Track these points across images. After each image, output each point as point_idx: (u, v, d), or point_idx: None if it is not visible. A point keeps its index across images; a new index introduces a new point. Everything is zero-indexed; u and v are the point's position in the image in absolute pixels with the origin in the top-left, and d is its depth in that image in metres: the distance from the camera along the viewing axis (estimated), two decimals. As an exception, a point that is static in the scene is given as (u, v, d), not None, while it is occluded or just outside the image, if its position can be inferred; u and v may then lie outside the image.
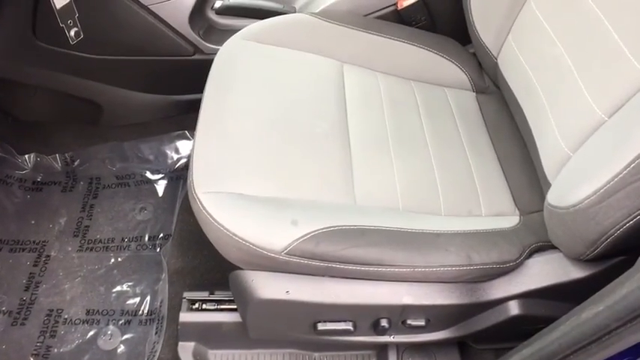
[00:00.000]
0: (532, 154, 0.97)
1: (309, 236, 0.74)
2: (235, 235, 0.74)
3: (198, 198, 0.79)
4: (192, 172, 0.84)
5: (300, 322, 0.85)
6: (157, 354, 1.10)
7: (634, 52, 0.73)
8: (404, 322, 0.84)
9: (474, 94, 1.13)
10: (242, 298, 0.81)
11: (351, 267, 0.75)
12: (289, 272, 0.78)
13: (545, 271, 0.81)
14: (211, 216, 0.76)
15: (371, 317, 0.83)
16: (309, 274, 0.78)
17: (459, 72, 1.12)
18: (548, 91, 0.90)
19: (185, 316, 1.01)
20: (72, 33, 1.03)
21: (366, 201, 0.86)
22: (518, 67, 0.99)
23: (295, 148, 0.90)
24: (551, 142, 0.87)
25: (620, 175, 0.62)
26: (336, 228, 0.75)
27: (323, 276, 0.78)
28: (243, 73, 1.00)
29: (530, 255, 0.82)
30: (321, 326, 0.83)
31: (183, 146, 1.48)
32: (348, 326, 0.83)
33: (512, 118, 1.06)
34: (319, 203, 0.83)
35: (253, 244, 0.74)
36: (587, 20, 0.83)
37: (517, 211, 0.92)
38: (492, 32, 1.05)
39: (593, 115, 0.77)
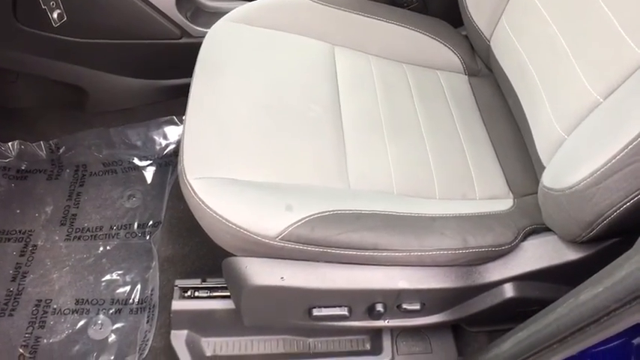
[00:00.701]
0: (525, 136, 0.96)
1: (304, 221, 0.72)
2: (229, 222, 0.73)
3: (189, 184, 0.77)
4: (182, 157, 0.82)
5: (294, 308, 0.84)
6: (149, 343, 1.08)
7: (630, 33, 0.72)
8: (399, 307, 0.84)
9: (467, 76, 1.12)
10: (236, 285, 0.80)
11: (346, 252, 0.74)
12: (284, 258, 0.77)
13: (539, 254, 0.81)
14: (203, 202, 0.75)
15: (366, 302, 0.83)
16: (304, 260, 0.77)
17: (451, 55, 1.11)
18: (542, 74, 0.90)
19: (177, 304, 1.00)
20: (55, 15, 1.00)
21: (360, 185, 0.85)
22: (511, 50, 0.98)
23: (288, 133, 0.88)
24: (545, 125, 0.87)
25: (618, 157, 0.62)
26: (331, 213, 0.74)
27: (318, 261, 0.77)
28: (233, 57, 0.98)
29: (524, 237, 0.82)
30: (316, 312, 0.83)
31: (172, 132, 1.45)
32: (344, 311, 0.83)
33: (504, 101, 1.05)
34: (313, 188, 0.81)
35: (247, 230, 0.72)
36: (582, 1, 0.82)
37: (511, 194, 0.92)
38: (485, 14, 1.04)
39: (589, 97, 0.77)
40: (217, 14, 1.21)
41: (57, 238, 1.33)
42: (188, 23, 1.22)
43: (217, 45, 1.00)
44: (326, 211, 0.74)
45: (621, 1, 0.75)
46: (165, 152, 1.45)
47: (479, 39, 1.08)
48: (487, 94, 1.09)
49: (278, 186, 0.80)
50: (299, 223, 0.72)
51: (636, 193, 0.62)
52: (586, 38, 0.81)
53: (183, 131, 0.86)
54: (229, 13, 1.07)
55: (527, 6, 0.94)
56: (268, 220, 0.73)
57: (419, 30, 1.10)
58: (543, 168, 0.85)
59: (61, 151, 1.47)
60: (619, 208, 0.65)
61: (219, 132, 0.85)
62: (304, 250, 0.74)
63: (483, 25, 1.05)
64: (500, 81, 1.06)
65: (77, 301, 1.22)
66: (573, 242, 0.78)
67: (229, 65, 0.96)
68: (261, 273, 0.77)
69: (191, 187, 0.77)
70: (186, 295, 1.01)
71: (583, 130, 0.76)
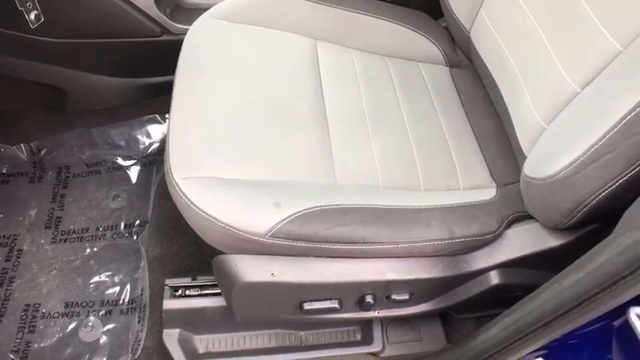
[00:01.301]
0: (506, 126, 0.98)
1: (292, 217, 0.73)
2: (218, 220, 0.73)
3: (176, 184, 0.77)
4: (168, 157, 0.82)
5: (286, 303, 0.85)
6: (142, 342, 1.09)
7: (606, 25, 0.74)
8: (388, 297, 0.86)
9: (448, 68, 1.14)
10: (227, 283, 0.81)
11: (335, 246, 0.75)
12: (274, 254, 0.78)
13: (522, 241, 0.84)
14: (192, 202, 0.75)
15: (356, 294, 0.84)
16: (294, 255, 0.78)
17: (432, 46, 1.12)
18: (521, 65, 0.91)
19: (169, 304, 1.00)
20: (32, 16, 0.98)
21: (347, 180, 0.86)
22: (491, 41, 1.00)
23: (273, 129, 0.88)
24: (525, 115, 0.89)
25: (596, 147, 0.64)
26: (319, 208, 0.75)
27: (308, 256, 0.78)
28: (216, 54, 0.97)
29: (508, 226, 0.84)
30: (307, 306, 0.84)
31: (155, 130, 1.44)
32: (334, 304, 0.84)
33: (485, 92, 1.07)
34: (300, 184, 0.82)
35: (237, 228, 0.73)
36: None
37: (494, 184, 0.94)
38: (465, 6, 1.05)
39: (567, 87, 0.78)
40: (197, 10, 1.21)
41: (42, 241, 1.32)
42: (168, 20, 1.21)
43: (199, 42, 1.00)
44: (314, 207, 0.75)
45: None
46: (149, 151, 1.45)
47: (459, 31, 1.09)
48: (468, 85, 1.11)
49: (266, 183, 0.80)
50: (288, 220, 0.73)
51: (614, 181, 0.64)
52: (563, 30, 0.82)
53: (168, 131, 0.86)
54: (210, 10, 1.06)
55: (505, -2, 0.95)
56: (257, 218, 0.73)
57: (400, 23, 1.10)
58: (525, 157, 0.86)
59: (42, 153, 1.45)
60: (598, 195, 0.67)
61: (205, 131, 0.86)
62: (294, 246, 0.75)
63: (463, 17, 1.06)
64: (480, 72, 1.07)
65: (66, 304, 1.21)
66: (555, 229, 0.80)
67: (212, 62, 0.95)
68: (252, 270, 0.78)
69: (178, 187, 0.77)
70: (177, 293, 1.01)
71: (562, 119, 0.78)
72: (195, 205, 0.75)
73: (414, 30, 1.11)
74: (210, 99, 0.89)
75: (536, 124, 0.85)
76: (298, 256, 0.78)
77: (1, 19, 1.11)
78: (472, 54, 1.09)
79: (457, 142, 0.99)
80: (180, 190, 0.77)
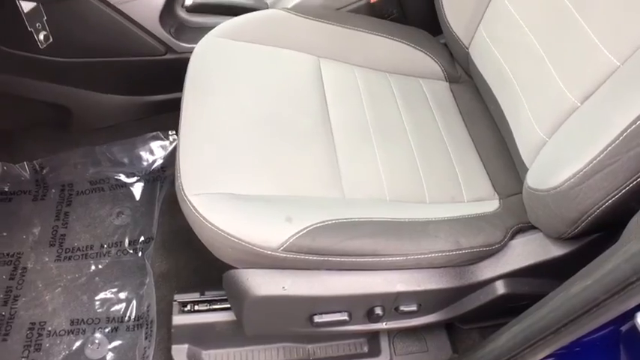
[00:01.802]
0: (507, 139, 1.01)
1: (304, 232, 0.75)
2: (230, 236, 0.75)
3: (189, 200, 0.79)
4: (179, 174, 0.83)
5: (296, 316, 0.86)
6: (149, 359, 1.09)
7: (603, 41, 0.77)
8: (397, 309, 0.87)
9: (447, 83, 1.17)
10: (238, 297, 0.82)
11: (346, 259, 0.77)
12: (285, 268, 0.79)
13: (527, 251, 0.85)
14: (204, 218, 0.76)
15: (366, 306, 0.86)
16: (305, 269, 0.79)
17: (432, 62, 1.15)
18: (521, 79, 0.94)
19: (178, 319, 1.01)
20: (41, 37, 1.00)
21: (354, 193, 0.88)
22: (490, 57, 1.03)
23: (281, 145, 0.90)
24: (526, 128, 0.91)
25: (598, 159, 0.66)
26: (330, 222, 0.77)
27: (319, 269, 0.79)
28: (222, 72, 0.99)
29: (512, 236, 0.86)
30: (317, 319, 0.85)
31: (158, 147, 1.46)
32: (344, 317, 0.85)
33: (485, 106, 1.10)
34: (310, 198, 0.84)
35: (250, 243, 0.74)
36: (555, 11, 0.87)
37: (496, 195, 0.96)
38: (463, 23, 1.08)
39: (567, 102, 0.81)
40: (201, 29, 1.23)
41: (47, 259, 1.33)
42: (172, 39, 1.23)
43: (205, 61, 1.02)
44: (324, 221, 0.77)
45: (593, 11, 0.79)
46: (152, 168, 1.46)
47: (458, 47, 1.12)
48: (468, 100, 1.14)
49: (276, 198, 0.82)
50: (300, 234, 0.75)
51: (617, 191, 0.66)
52: (562, 46, 0.85)
53: (178, 149, 0.87)
54: (215, 29, 1.08)
55: (504, 15, 0.98)
56: (270, 232, 0.75)
57: (400, 40, 1.13)
58: (526, 169, 0.89)
59: (45, 171, 1.46)
60: (601, 205, 0.69)
61: (214, 148, 0.87)
62: (306, 260, 0.76)
63: (462, 33, 1.09)
64: (480, 86, 1.10)
65: (72, 322, 1.21)
66: (558, 239, 0.82)
67: (218, 81, 0.97)
68: (263, 284, 0.79)
69: (190, 203, 0.78)
70: (185, 309, 1.02)
71: (563, 132, 0.80)
72: (207, 220, 0.76)
73: (413, 47, 1.14)
74: (218, 117, 0.91)
75: (537, 136, 0.87)
76: (309, 269, 0.79)
77: (8, 40, 1.12)
78: (471, 69, 1.12)
79: (459, 154, 1.01)
80: (192, 206, 0.78)
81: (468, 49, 1.10)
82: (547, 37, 0.89)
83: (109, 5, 1.13)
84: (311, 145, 0.92)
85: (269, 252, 0.74)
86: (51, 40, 1.02)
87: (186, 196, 0.79)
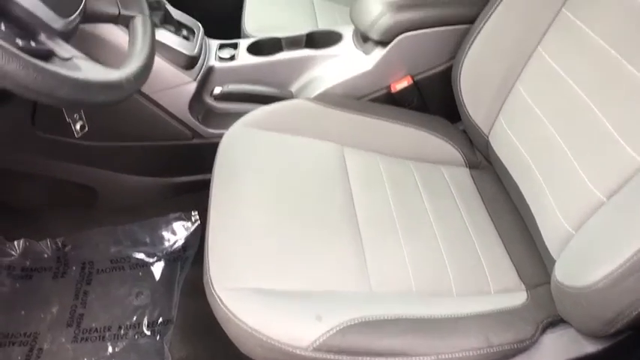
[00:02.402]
0: (530, 227, 1.01)
1: (334, 330, 0.74)
2: (260, 334, 0.74)
3: (218, 295, 0.79)
4: (208, 267, 0.84)
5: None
6: None
7: (624, 137, 0.79)
8: (426, 409, 0.84)
9: (468, 169, 1.19)
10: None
11: (377, 359, 0.75)
12: None
13: (559, 348, 0.83)
14: (233, 314, 0.76)
15: None
16: (334, 368, 0.77)
17: (453, 150, 1.18)
18: (543, 171, 0.96)
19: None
20: (77, 127, 1.05)
21: (381, 286, 0.87)
22: (510, 146, 1.05)
23: (308, 238, 0.91)
24: (551, 219, 0.91)
25: (634, 259, 0.66)
26: (359, 320, 0.76)
27: (348, 369, 0.78)
28: (249, 162, 1.02)
29: (543, 330, 0.84)
30: None
31: (180, 228, 1.47)
32: None
33: (506, 192, 1.11)
34: (338, 293, 0.83)
35: (279, 342, 0.73)
36: (575, 106, 0.90)
37: (523, 286, 0.95)
38: (482, 112, 1.12)
39: (592, 196, 0.82)
40: (228, 115, 1.28)
41: (64, 340, 1.31)
42: (199, 125, 1.28)
43: (233, 150, 1.05)
44: (354, 319, 0.76)
45: (614, 109, 0.82)
46: (173, 248, 1.46)
47: (477, 135, 1.15)
48: (489, 186, 1.15)
49: (304, 294, 0.82)
50: (330, 333, 0.74)
51: (654, 293, 0.66)
52: (583, 140, 0.87)
53: (207, 243, 0.88)
54: (243, 118, 1.12)
55: (523, 107, 1.02)
56: (300, 331, 0.74)
57: (421, 128, 1.17)
58: (553, 260, 0.88)
59: (67, 248, 1.47)
60: (638, 307, 0.68)
61: (242, 242, 0.88)
62: None
63: (481, 122, 1.13)
64: (500, 174, 1.12)
65: (86, 408, 1.18)
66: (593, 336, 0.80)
67: (245, 172, 1.00)
68: None
69: (220, 298, 0.78)
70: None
71: (592, 228, 0.80)
72: (236, 317, 0.76)
73: (434, 134, 1.17)
74: (245, 210, 0.93)
75: (563, 229, 0.87)
76: (338, 368, 0.78)
77: (45, 126, 1.17)
78: (491, 156, 1.14)
79: (483, 243, 1.01)
80: (221, 302, 0.78)
81: (487, 137, 1.13)
82: (567, 130, 0.91)
83: (142, 94, 1.19)
84: (337, 238, 0.93)
85: (299, 352, 0.73)
86: (87, 129, 1.06)
87: (215, 291, 0.79)
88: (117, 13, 0.82)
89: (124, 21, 0.84)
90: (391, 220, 0.99)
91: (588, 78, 0.90)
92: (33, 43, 0.63)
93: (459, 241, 1.00)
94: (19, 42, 0.60)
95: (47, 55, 0.63)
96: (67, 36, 0.71)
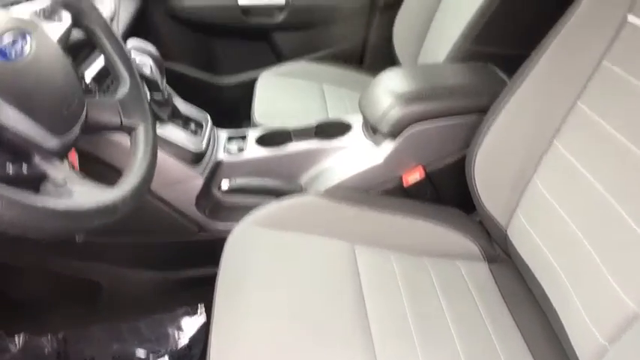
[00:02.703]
0: (558, 331, 0.93)
1: None
2: None
3: None
4: None
5: None
6: None
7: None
8: None
9: (486, 264, 1.12)
10: None
11: None
12: None
13: None
14: None
15: None
16: None
17: (469, 243, 1.12)
18: (568, 271, 0.89)
19: None
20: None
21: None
22: (531, 242, 0.99)
23: (318, 345, 0.85)
24: (580, 326, 0.84)
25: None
26: None
27: None
28: (255, 266, 0.98)
29: None
30: None
31: (185, 324, 1.41)
32: None
33: (528, 289, 1.04)
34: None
35: None
36: (597, 203, 0.84)
37: (552, 397, 0.86)
38: (500, 205, 1.07)
39: (625, 307, 0.75)
40: (234, 209, 1.26)
41: None
42: (206, 219, 1.25)
43: (238, 253, 1.01)
44: None
45: (636, 203, 0.76)
46: (179, 346, 1.40)
47: (495, 228, 1.10)
48: (509, 281, 1.08)
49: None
50: None
51: None
52: (608, 240, 0.81)
53: (208, 353, 0.82)
54: (250, 215, 1.09)
55: (542, 202, 0.97)
56: None
57: (435, 222, 1.12)
58: None
59: (68, 344, 1.41)
60: None
61: (247, 352, 0.82)
62: None
63: (499, 216, 1.08)
64: (522, 270, 1.05)
65: None
66: None
67: (251, 276, 0.96)
68: None
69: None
70: None
71: (629, 345, 0.73)
72: None
73: (449, 228, 1.12)
74: (251, 317, 0.88)
75: (595, 340, 0.80)
76: None
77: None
78: (510, 250, 1.08)
79: (506, 347, 0.93)
80: None
81: (506, 231, 1.08)
82: (590, 229, 0.86)
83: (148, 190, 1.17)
84: (348, 344, 0.86)
85: None
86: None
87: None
88: (119, 123, 0.81)
89: (126, 130, 0.82)
90: (406, 326, 0.92)
91: (608, 173, 0.86)
92: (25, 167, 0.60)
93: (479, 346, 0.92)
94: (10, 169, 0.58)
95: (39, 180, 0.61)
96: (64, 152, 0.69)
